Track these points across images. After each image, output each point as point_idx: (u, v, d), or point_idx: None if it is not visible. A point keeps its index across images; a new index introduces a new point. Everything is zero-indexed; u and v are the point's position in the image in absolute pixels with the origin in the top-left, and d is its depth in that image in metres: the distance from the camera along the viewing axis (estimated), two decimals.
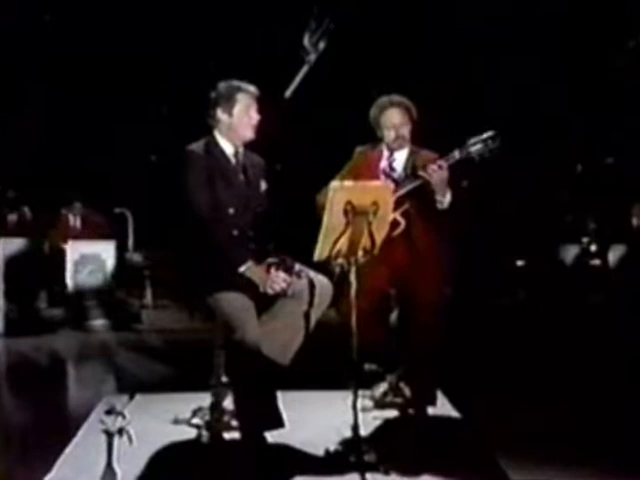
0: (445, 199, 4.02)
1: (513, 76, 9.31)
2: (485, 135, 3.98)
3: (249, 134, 3.77)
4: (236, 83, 3.78)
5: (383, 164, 4.26)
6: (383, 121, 4.24)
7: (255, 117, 3.76)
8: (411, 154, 4.24)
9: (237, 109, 3.73)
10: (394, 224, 3.92)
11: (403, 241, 4.06)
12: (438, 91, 8.57)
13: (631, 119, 8.75)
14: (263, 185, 3.82)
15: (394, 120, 4.21)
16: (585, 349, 6.03)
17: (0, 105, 9.22)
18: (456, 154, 3.99)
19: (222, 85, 3.79)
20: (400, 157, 4.25)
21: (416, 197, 4.06)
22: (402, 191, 4.04)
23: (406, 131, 4.22)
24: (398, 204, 3.97)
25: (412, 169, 4.16)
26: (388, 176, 4.19)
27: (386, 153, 4.28)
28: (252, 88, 3.78)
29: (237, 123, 3.73)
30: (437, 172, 3.94)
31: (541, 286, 8.77)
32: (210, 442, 3.72)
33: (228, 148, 3.77)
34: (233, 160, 3.77)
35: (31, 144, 9.64)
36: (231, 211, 3.66)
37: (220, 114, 3.75)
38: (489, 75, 9.38)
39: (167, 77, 9.76)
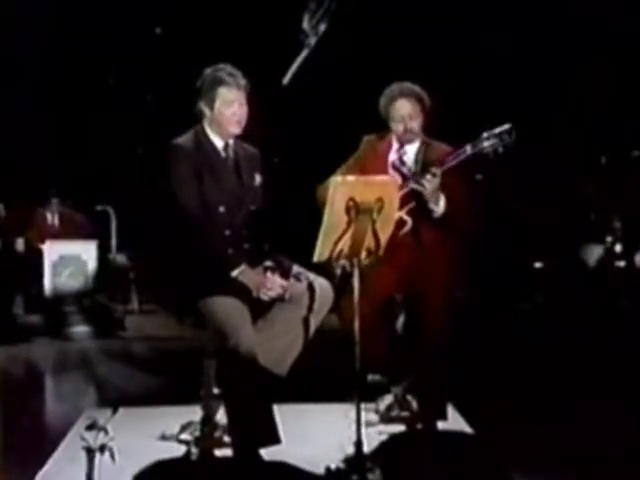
0: (438, 207, 4.01)
1: (533, 62, 9.31)
2: (499, 129, 3.94)
3: (233, 130, 3.73)
4: (220, 74, 3.70)
5: (392, 157, 4.24)
6: (392, 112, 4.20)
7: (239, 112, 3.70)
8: (423, 147, 4.22)
9: (218, 104, 3.68)
10: (400, 223, 3.93)
11: (410, 241, 4.06)
12: (449, 77, 8.58)
13: None
14: (258, 180, 3.80)
15: (403, 112, 4.17)
16: (608, 358, 6.03)
17: None
18: (468, 149, 3.96)
19: (206, 75, 3.73)
20: (411, 150, 4.23)
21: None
22: (406, 189, 4.04)
23: (416, 124, 4.18)
24: (404, 202, 3.97)
25: (423, 163, 4.16)
26: (397, 170, 4.17)
27: (396, 145, 4.25)
28: (236, 80, 3.70)
29: (219, 119, 3.70)
30: (430, 181, 3.93)
31: (561, 289, 8.77)
32: (200, 459, 3.71)
33: (217, 140, 3.75)
34: (223, 153, 3.76)
35: (4, 137, 9.64)
36: (222, 209, 3.65)
37: (203, 107, 3.73)
38: (507, 60, 9.37)
39: (155, 63, 9.76)
